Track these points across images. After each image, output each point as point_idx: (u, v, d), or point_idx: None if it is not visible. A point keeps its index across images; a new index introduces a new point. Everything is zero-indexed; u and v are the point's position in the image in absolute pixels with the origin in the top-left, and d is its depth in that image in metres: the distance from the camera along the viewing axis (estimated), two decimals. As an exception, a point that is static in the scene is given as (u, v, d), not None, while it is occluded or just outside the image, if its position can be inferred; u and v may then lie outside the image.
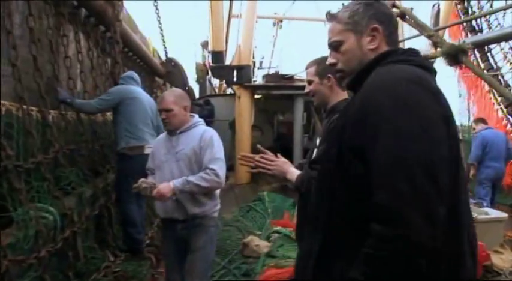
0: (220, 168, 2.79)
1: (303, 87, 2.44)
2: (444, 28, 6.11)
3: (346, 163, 1.24)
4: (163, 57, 8.25)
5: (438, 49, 2.65)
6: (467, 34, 8.85)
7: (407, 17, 3.13)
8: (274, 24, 18.63)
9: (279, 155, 2.44)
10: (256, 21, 10.73)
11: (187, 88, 8.45)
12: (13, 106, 2.66)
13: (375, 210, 1.10)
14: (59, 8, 3.56)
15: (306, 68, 2.44)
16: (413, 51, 1.40)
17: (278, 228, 4.84)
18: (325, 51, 2.00)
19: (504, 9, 2.98)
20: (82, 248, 2.95)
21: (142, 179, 2.73)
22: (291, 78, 9.98)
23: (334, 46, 1.48)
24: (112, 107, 3.94)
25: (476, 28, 8.90)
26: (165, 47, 7.80)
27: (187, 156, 2.78)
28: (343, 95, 2.38)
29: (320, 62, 2.36)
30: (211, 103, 11.03)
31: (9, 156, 2.38)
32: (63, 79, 3.67)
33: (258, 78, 15.11)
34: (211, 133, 2.90)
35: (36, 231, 2.30)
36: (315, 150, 2.40)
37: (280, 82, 9.82)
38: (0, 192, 2.32)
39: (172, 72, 7.90)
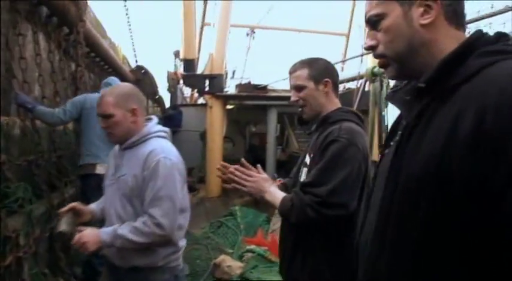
0: (165, 214, 1.98)
1: (277, 98, 2.15)
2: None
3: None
4: (133, 65, 7.93)
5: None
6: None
7: None
8: (247, 34, 18.49)
9: (259, 167, 2.11)
10: (229, 32, 10.52)
11: (157, 97, 8.16)
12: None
13: None
14: (14, 4, 3.22)
15: (292, 72, 2.03)
16: (507, 38, 0.98)
17: (252, 247, 4.54)
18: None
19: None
20: (29, 275, 2.58)
21: (64, 219, 2.04)
22: (264, 88, 9.76)
23: (373, 22, 1.07)
24: (75, 119, 3.61)
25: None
26: (135, 54, 7.49)
27: (128, 186, 2.02)
28: (337, 103, 2.08)
29: (312, 63, 2.02)
30: (179, 108, 10.58)
31: None
32: (18, 82, 3.31)
33: (230, 89, 14.91)
34: (160, 155, 2.02)
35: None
36: (304, 170, 2.09)
37: (253, 92, 9.58)
38: None
39: (142, 80, 7.61)
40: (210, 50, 9.90)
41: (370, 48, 1.10)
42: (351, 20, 13.77)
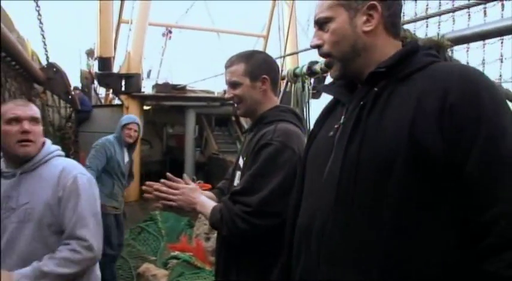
0: (93, 235, 1.82)
1: (195, 99, 2.02)
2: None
3: (429, 180, 0.98)
4: (44, 62, 7.40)
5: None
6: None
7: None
8: (163, 34, 18.16)
9: (185, 178, 1.97)
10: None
11: (70, 97, 7.68)
12: None
13: (490, 226, 0.92)
14: None
15: (228, 66, 1.86)
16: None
17: (176, 253, 4.41)
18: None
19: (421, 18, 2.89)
20: None
21: None
22: (183, 88, 9.59)
23: (321, 23, 1.20)
24: None
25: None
26: (46, 51, 6.97)
27: (37, 216, 1.76)
28: (275, 101, 1.99)
29: (249, 58, 1.85)
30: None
31: None
32: None
33: (146, 89, 14.51)
34: (73, 172, 1.87)
35: None
36: (237, 173, 1.98)
37: (171, 93, 9.37)
38: None
39: (53, 79, 7.08)
40: (126, 48, 9.58)
41: (316, 47, 1.22)
42: (270, 21, 13.91)
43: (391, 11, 1.15)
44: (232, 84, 1.85)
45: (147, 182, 1.83)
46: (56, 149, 1.96)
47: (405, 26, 2.30)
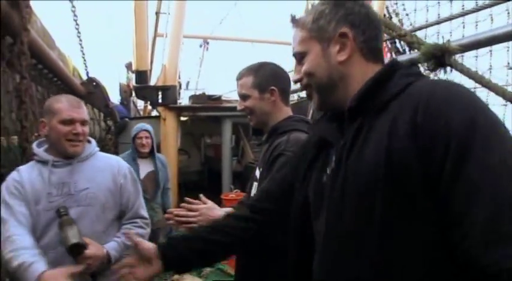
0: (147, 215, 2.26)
1: (231, 109, 2.10)
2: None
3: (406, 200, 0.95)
4: (85, 77, 7.68)
5: (415, 51, 2.29)
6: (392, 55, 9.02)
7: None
8: (200, 45, 18.44)
9: (202, 198, 2.05)
10: (183, 43, 10.40)
11: (109, 110, 7.92)
12: None
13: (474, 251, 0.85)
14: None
15: (238, 79, 1.96)
16: (416, 65, 1.20)
17: (210, 261, 4.44)
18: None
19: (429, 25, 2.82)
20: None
21: (68, 229, 1.84)
22: (218, 99, 9.69)
23: (298, 58, 1.20)
24: None
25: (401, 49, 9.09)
26: (86, 66, 7.23)
27: (100, 200, 2.02)
28: (288, 111, 1.99)
29: (258, 70, 1.93)
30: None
31: None
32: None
33: (184, 100, 14.73)
34: (126, 164, 2.28)
35: None
36: (255, 184, 2.01)
37: (207, 103, 9.47)
38: None
39: (93, 93, 7.35)
40: (163, 61, 9.78)
41: (298, 81, 1.23)
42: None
43: (366, 36, 1.12)
44: (242, 97, 1.95)
45: (168, 210, 2.02)
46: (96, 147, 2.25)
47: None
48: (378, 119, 1.02)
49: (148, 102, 11.71)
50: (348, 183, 1.04)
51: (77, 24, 6.25)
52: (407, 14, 8.24)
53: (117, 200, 2.10)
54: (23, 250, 1.81)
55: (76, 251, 1.79)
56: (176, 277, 4.10)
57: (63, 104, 2.05)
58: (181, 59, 10.09)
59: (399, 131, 0.95)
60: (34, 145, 2.10)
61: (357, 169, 1.02)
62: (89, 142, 2.20)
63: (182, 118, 9.95)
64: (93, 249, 1.87)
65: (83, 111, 2.08)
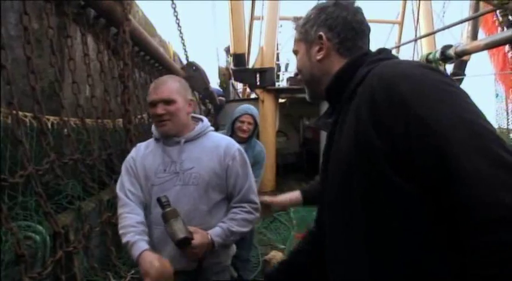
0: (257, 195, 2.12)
1: None
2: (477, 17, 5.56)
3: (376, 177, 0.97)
4: (184, 62, 8.01)
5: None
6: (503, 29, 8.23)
7: None
8: (298, 27, 18.26)
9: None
10: (281, 26, 10.38)
11: (209, 92, 8.20)
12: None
13: (462, 218, 0.83)
14: (62, 7, 3.30)
15: None
16: (387, 51, 1.23)
17: (303, 243, 4.44)
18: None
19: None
20: (80, 269, 2.63)
21: (174, 223, 1.80)
22: (316, 80, 9.57)
23: (295, 56, 1.39)
24: None
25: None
26: (186, 51, 7.54)
27: (204, 180, 1.96)
28: None
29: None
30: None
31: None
32: (68, 83, 3.39)
33: (283, 83, 14.76)
34: (236, 145, 2.11)
35: (18, 255, 2.00)
36: None
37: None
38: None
39: (193, 77, 7.64)
40: (260, 43, 9.87)
41: (297, 75, 1.41)
42: (404, 7, 13.41)
43: (341, 37, 1.24)
44: None
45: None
46: (209, 126, 2.18)
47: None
48: (348, 105, 1.12)
49: (247, 84, 11.91)
50: (331, 172, 1.16)
51: (176, 11, 6.49)
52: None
53: (223, 182, 2.01)
54: (130, 228, 1.91)
55: (183, 244, 1.81)
56: (269, 255, 4.17)
57: (151, 87, 2.10)
58: (280, 42, 10.10)
59: (362, 116, 1.01)
60: (153, 125, 2.20)
61: (336, 158, 1.13)
62: (202, 120, 2.16)
63: (280, 100, 10.00)
64: (198, 238, 1.84)
65: (164, 90, 2.01)
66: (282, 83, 14.94)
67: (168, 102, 1.99)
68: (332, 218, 1.18)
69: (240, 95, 16.25)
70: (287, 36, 17.42)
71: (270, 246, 4.80)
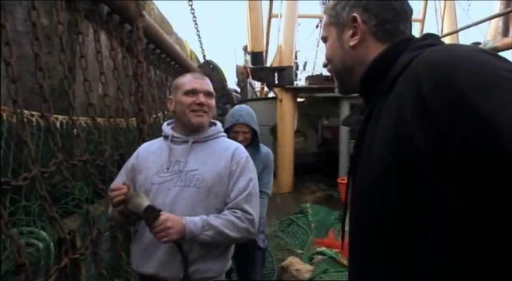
0: (255, 212, 1.92)
1: None
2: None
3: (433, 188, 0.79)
4: (202, 60, 7.91)
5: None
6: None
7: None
8: (317, 25, 18.11)
9: None
10: (299, 24, 10.22)
11: (226, 92, 8.08)
12: (4, 111, 2.26)
13: None
14: (73, 3, 3.18)
15: None
16: (436, 37, 1.03)
17: (322, 249, 4.26)
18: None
19: None
20: (87, 277, 2.50)
21: (139, 196, 1.77)
22: (335, 80, 9.37)
23: (325, 43, 1.21)
24: None
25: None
26: (203, 49, 7.43)
27: (207, 183, 1.86)
28: None
29: None
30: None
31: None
32: (79, 82, 3.28)
33: (302, 82, 14.59)
34: (245, 153, 2.02)
35: (18, 265, 1.87)
36: None
37: (324, 84, 9.19)
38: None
39: (210, 75, 7.53)
40: (278, 42, 9.71)
41: (325, 66, 1.24)
42: (425, 4, 13.13)
43: (379, 18, 1.08)
44: None
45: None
46: (222, 131, 2.13)
47: None
48: (387, 98, 0.94)
49: (265, 83, 11.77)
50: (360, 177, 1.02)
51: (192, 9, 6.38)
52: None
53: (226, 189, 1.92)
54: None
55: (152, 215, 1.68)
56: (286, 262, 4.01)
57: (187, 77, 2.06)
58: (298, 41, 9.95)
59: (404, 113, 0.84)
60: (164, 123, 2.15)
61: (368, 160, 0.97)
62: (215, 124, 2.11)
63: (299, 99, 9.84)
64: (168, 214, 1.75)
65: (207, 83, 2.04)
66: (300, 82, 14.79)
67: (210, 95, 2.00)
68: (355, 226, 1.03)
69: (258, 94, 16.11)
70: (305, 35, 17.25)
71: (287, 251, 4.63)
